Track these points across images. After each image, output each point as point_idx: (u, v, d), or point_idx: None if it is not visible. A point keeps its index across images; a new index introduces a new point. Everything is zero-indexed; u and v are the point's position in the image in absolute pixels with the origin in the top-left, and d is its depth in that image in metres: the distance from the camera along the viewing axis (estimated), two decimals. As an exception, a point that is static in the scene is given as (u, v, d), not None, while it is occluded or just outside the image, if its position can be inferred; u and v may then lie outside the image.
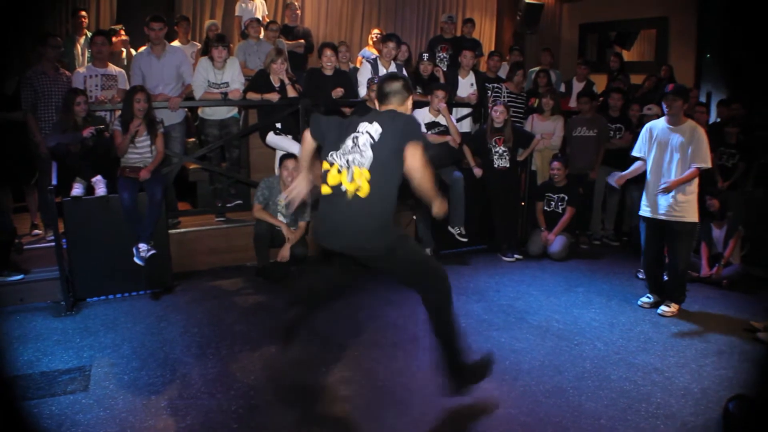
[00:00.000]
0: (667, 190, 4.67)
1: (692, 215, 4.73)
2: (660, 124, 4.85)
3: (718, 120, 7.78)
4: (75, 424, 3.13)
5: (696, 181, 4.72)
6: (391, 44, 6.35)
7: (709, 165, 4.68)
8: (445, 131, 5.99)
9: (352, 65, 7.22)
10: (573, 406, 3.39)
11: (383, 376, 3.69)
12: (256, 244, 5.43)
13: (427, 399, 3.42)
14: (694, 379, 3.76)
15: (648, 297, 5.07)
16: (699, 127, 4.76)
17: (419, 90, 6.64)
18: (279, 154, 5.83)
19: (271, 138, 5.89)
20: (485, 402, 3.41)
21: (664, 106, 4.78)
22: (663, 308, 4.87)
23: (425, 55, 6.88)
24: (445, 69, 7.43)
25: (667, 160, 4.76)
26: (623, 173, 5.08)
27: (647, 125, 4.98)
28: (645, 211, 4.93)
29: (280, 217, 5.44)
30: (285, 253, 5.28)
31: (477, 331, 4.41)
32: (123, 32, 6.90)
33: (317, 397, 3.43)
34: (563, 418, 3.27)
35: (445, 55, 7.69)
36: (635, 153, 5.03)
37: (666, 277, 4.97)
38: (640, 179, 6.64)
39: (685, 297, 4.91)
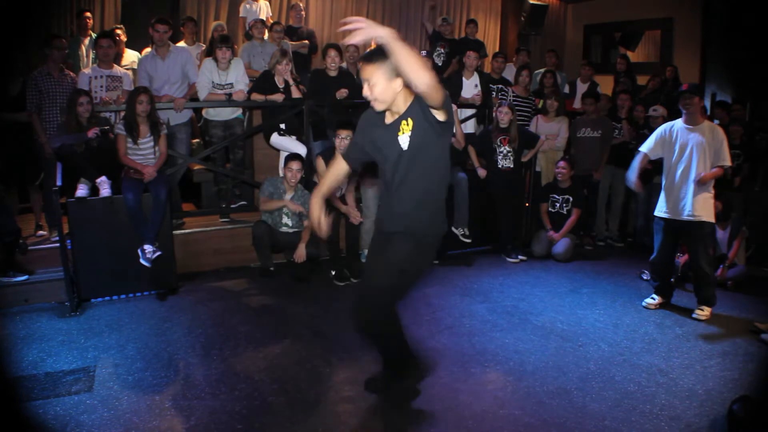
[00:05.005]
0: (702, 181, 4.63)
1: (710, 216, 4.71)
2: (678, 124, 4.80)
3: (716, 122, 7.75)
4: (79, 425, 3.14)
5: (713, 182, 4.71)
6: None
7: (730, 163, 4.69)
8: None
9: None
10: (577, 407, 3.39)
11: (387, 377, 3.68)
12: (255, 245, 5.44)
13: (430, 399, 3.42)
14: (698, 380, 3.75)
15: (653, 297, 5.06)
16: (717, 127, 4.74)
17: None
18: (283, 155, 5.84)
19: (275, 139, 5.90)
20: (488, 403, 3.41)
21: (681, 106, 4.73)
22: (697, 312, 4.80)
23: (423, 53, 6.93)
24: (440, 64, 7.49)
25: (686, 162, 4.71)
26: (632, 174, 4.93)
27: (664, 126, 4.92)
28: (663, 212, 4.86)
29: (285, 219, 5.46)
30: (301, 253, 5.28)
31: (481, 331, 4.41)
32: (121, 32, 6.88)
33: (321, 398, 3.44)
34: (567, 419, 3.27)
35: (442, 51, 7.74)
36: (643, 148, 4.96)
37: (695, 283, 4.94)
38: (646, 180, 6.66)
39: (716, 299, 4.85)
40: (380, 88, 2.84)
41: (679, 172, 4.76)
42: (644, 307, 5.01)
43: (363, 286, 3.30)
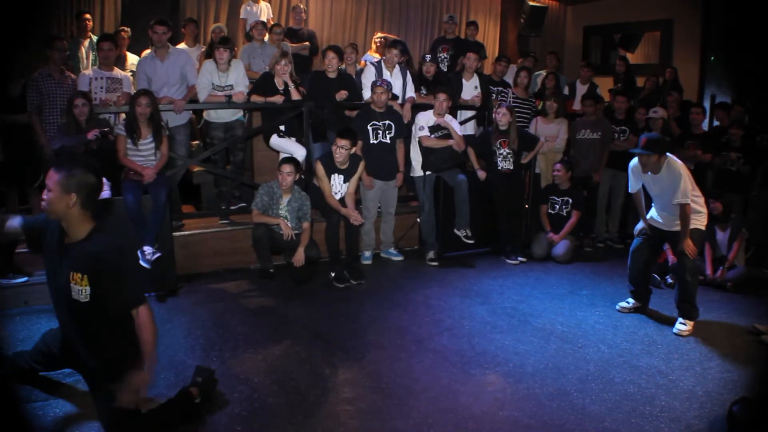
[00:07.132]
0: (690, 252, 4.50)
1: (699, 225, 4.61)
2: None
3: (717, 124, 7.76)
4: (79, 426, 3.14)
5: (701, 200, 4.62)
6: (395, 51, 6.37)
7: (687, 201, 4.42)
8: (449, 135, 5.99)
9: (359, 66, 7.22)
10: (577, 409, 3.39)
11: (386, 377, 3.69)
12: (255, 247, 5.43)
13: (430, 401, 3.42)
14: (698, 381, 3.75)
15: (627, 302, 4.99)
16: (675, 164, 4.48)
17: (423, 91, 6.66)
18: (283, 156, 5.84)
19: (275, 140, 5.90)
20: (488, 404, 3.41)
21: (639, 164, 4.57)
22: (679, 327, 4.53)
23: (428, 56, 6.90)
24: (445, 69, 7.45)
25: (658, 197, 4.70)
26: (641, 222, 5.00)
27: (630, 164, 4.76)
28: (652, 214, 4.83)
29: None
30: (300, 256, 5.26)
31: (481, 333, 4.41)
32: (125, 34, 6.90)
33: (321, 399, 3.44)
34: (567, 421, 3.27)
35: (445, 55, 7.70)
36: (631, 190, 4.89)
37: (675, 293, 4.72)
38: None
39: (698, 313, 4.60)
40: (53, 196, 2.72)
41: (655, 201, 4.77)
42: (618, 310, 4.95)
43: None
